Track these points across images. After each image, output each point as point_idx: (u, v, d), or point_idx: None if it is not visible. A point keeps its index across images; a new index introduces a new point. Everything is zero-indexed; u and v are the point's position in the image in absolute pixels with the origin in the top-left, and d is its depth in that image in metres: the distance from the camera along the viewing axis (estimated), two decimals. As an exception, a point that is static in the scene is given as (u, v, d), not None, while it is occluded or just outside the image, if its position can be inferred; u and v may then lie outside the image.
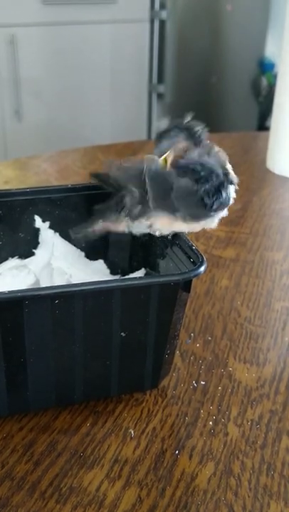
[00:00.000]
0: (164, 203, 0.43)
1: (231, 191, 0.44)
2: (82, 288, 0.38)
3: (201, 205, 0.42)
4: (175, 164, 0.43)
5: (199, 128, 0.44)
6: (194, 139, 0.44)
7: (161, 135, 0.46)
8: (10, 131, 2.04)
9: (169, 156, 0.44)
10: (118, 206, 0.46)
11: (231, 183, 0.44)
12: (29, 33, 1.96)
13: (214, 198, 0.42)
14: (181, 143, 0.44)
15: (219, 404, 0.46)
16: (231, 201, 0.44)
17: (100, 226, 0.48)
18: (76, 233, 0.50)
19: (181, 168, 0.42)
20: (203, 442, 0.42)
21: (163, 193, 0.43)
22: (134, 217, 0.45)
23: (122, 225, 0.47)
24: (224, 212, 0.45)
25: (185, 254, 0.44)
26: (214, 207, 0.43)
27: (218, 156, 0.43)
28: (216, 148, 0.44)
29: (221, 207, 0.44)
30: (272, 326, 0.56)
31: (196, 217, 0.44)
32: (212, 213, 0.43)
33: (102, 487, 0.38)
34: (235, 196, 0.44)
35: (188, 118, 0.45)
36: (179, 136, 0.45)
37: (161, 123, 0.46)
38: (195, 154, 0.43)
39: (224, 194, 0.43)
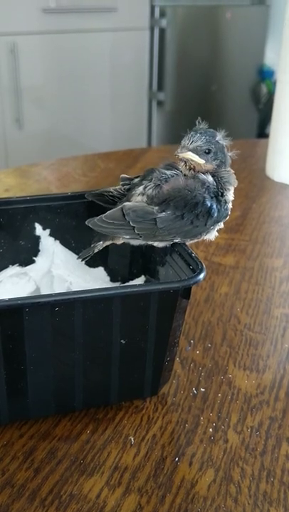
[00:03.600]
0: (156, 236, 0.45)
1: (228, 206, 0.45)
2: (82, 295, 0.38)
3: (192, 226, 0.44)
4: (157, 199, 0.45)
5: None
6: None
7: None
8: (11, 139, 2.04)
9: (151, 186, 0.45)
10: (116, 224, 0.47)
11: (225, 202, 0.45)
12: (30, 41, 1.97)
13: (206, 218, 0.44)
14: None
15: (219, 411, 0.46)
16: (228, 217, 0.46)
17: (101, 246, 0.49)
18: (83, 258, 0.51)
19: (163, 203, 0.44)
20: (203, 449, 0.42)
21: (151, 230, 0.44)
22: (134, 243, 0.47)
23: (120, 240, 0.48)
24: (221, 225, 0.46)
25: (185, 261, 0.44)
26: (207, 225, 0.44)
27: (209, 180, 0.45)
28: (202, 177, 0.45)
29: (216, 222, 0.45)
30: (272, 333, 0.57)
31: (192, 236, 0.45)
32: (208, 228, 0.45)
33: (102, 494, 0.38)
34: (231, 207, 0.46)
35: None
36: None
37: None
38: (179, 182, 0.44)
39: (215, 214, 0.44)
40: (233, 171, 0.46)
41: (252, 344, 0.55)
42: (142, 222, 0.44)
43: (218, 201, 0.45)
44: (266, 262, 0.71)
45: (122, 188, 0.49)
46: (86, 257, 0.51)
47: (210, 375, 0.50)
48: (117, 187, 0.50)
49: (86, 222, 0.46)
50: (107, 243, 0.49)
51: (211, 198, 0.44)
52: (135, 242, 0.48)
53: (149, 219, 0.44)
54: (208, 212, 0.44)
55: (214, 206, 0.44)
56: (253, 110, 2.78)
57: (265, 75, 2.72)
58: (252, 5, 2.58)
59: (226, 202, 0.45)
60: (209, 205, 0.44)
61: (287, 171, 1.00)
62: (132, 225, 0.44)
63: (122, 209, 0.44)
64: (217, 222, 0.45)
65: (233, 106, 2.68)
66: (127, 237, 0.46)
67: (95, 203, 0.51)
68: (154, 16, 2.25)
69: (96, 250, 0.50)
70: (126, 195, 0.48)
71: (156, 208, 0.44)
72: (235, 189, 0.46)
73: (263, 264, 0.71)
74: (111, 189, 0.50)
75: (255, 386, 0.49)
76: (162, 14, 2.25)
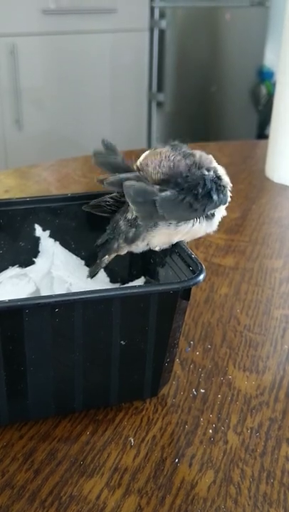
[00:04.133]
0: (153, 218, 0.44)
1: (226, 192, 0.44)
2: (82, 297, 0.38)
3: (191, 209, 0.43)
4: (158, 180, 0.43)
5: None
6: (178, 150, 0.45)
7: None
8: (10, 140, 2.04)
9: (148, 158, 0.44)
10: (115, 233, 0.47)
11: (223, 186, 0.44)
12: (30, 42, 1.98)
13: (205, 202, 0.43)
14: (162, 149, 0.45)
15: (219, 412, 0.46)
16: (228, 200, 0.45)
17: (107, 261, 0.49)
18: (91, 276, 0.51)
19: (164, 181, 0.43)
20: (203, 450, 0.42)
21: (149, 211, 0.43)
22: (131, 241, 0.46)
23: (125, 250, 0.48)
24: (223, 212, 0.46)
25: (184, 262, 0.44)
26: (206, 210, 0.43)
27: (203, 160, 0.44)
28: (199, 154, 0.44)
29: (215, 207, 0.44)
30: (272, 334, 0.57)
31: (188, 219, 0.44)
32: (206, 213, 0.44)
33: (102, 495, 0.38)
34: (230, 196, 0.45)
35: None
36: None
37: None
38: (182, 165, 0.43)
39: (215, 197, 0.43)
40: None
41: (252, 345, 0.55)
42: (141, 203, 0.43)
43: (217, 185, 0.44)
44: (266, 263, 0.71)
45: (118, 195, 0.48)
46: (95, 274, 0.51)
47: (210, 376, 0.50)
48: (112, 194, 0.49)
49: (83, 208, 0.47)
50: (113, 256, 0.49)
51: (210, 180, 0.43)
52: (137, 250, 0.48)
53: (148, 199, 0.42)
54: (208, 194, 0.43)
55: (214, 188, 0.43)
56: (253, 111, 2.79)
57: (265, 76, 2.72)
58: (251, 6, 2.58)
59: (224, 187, 0.44)
60: (209, 186, 0.43)
61: (287, 171, 1.00)
62: (131, 205, 0.43)
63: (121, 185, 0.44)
64: (216, 207, 0.44)
65: (232, 107, 2.68)
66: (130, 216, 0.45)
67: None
68: (153, 17, 2.25)
69: (103, 265, 0.50)
70: (124, 202, 0.47)
71: (157, 187, 0.43)
72: (234, 190, 0.46)
73: (262, 265, 0.71)
74: (107, 198, 0.49)
75: (255, 387, 0.49)
76: (162, 15, 2.25)
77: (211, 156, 0.45)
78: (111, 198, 0.49)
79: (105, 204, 0.49)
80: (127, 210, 0.46)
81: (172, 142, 0.46)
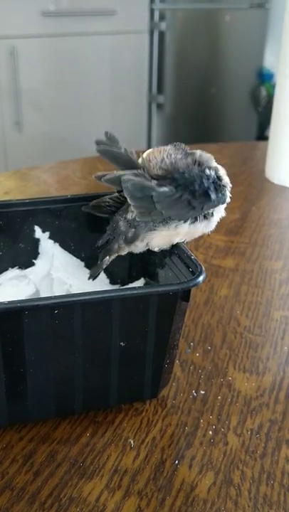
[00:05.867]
0: (151, 214, 0.44)
1: (226, 191, 0.44)
2: (81, 298, 0.38)
3: (189, 207, 0.43)
4: (157, 175, 0.43)
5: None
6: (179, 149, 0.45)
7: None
8: (10, 142, 2.05)
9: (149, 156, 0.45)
10: (115, 234, 0.47)
11: (223, 185, 0.44)
12: (29, 44, 1.98)
13: (202, 200, 0.43)
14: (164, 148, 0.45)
15: (219, 413, 0.46)
16: (227, 200, 0.45)
17: (108, 261, 0.49)
18: (94, 277, 0.51)
19: (163, 177, 0.43)
20: (203, 452, 0.42)
21: (147, 206, 0.43)
22: (130, 241, 0.46)
23: (125, 250, 0.48)
24: (222, 213, 0.46)
25: (184, 263, 0.44)
26: (204, 209, 0.43)
27: (203, 158, 0.44)
28: (199, 153, 0.44)
29: (213, 206, 0.44)
30: (272, 335, 0.57)
31: (185, 217, 0.44)
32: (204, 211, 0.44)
33: (101, 497, 0.38)
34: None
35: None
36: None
37: None
38: (182, 162, 0.44)
39: (213, 196, 0.43)
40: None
41: (252, 346, 0.55)
42: (139, 198, 0.43)
43: (216, 184, 0.43)
44: (266, 264, 0.71)
45: (118, 196, 0.48)
46: (96, 275, 0.51)
47: (210, 378, 0.50)
48: (112, 195, 0.49)
49: (82, 209, 0.48)
50: (113, 257, 0.49)
51: (207, 178, 0.43)
52: (137, 250, 0.48)
53: (146, 194, 0.42)
54: (206, 192, 0.43)
55: (212, 187, 0.43)
56: (253, 113, 2.79)
57: (265, 78, 2.73)
58: (251, 8, 2.58)
59: (224, 186, 0.44)
60: (206, 185, 0.43)
61: (286, 173, 1.00)
62: (129, 201, 0.43)
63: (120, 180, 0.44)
64: (214, 206, 0.44)
65: (232, 109, 2.68)
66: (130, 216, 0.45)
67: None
68: (153, 19, 2.25)
69: (104, 266, 0.50)
70: (123, 202, 0.47)
71: (155, 182, 0.43)
72: (234, 191, 0.46)
73: (262, 266, 0.71)
74: (107, 198, 0.49)
75: (255, 388, 0.49)
76: (162, 17, 2.25)
77: (210, 155, 0.45)
78: (110, 198, 0.49)
79: (105, 205, 0.49)
80: (127, 210, 0.46)
81: (175, 143, 0.46)
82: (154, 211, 0.43)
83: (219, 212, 0.45)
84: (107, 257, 0.49)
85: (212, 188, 0.43)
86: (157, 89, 2.37)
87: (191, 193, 0.42)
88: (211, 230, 0.46)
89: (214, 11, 2.45)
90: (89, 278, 0.51)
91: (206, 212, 0.44)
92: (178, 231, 0.44)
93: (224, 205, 0.45)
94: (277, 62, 1.02)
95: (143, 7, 2.21)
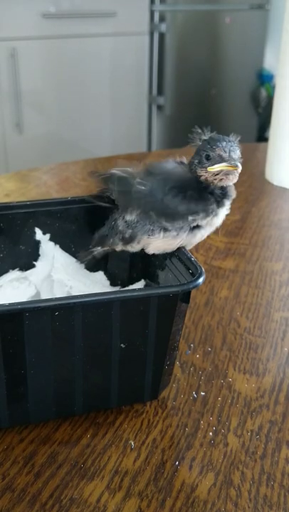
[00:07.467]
0: (128, 209, 0.45)
1: (212, 207, 0.44)
2: (82, 300, 0.38)
3: (164, 205, 0.43)
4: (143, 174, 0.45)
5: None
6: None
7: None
8: (11, 143, 2.05)
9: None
10: (112, 231, 0.48)
11: (212, 202, 0.44)
12: (30, 46, 1.98)
13: (176, 201, 0.43)
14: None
15: (219, 414, 0.46)
16: (208, 216, 0.44)
17: (100, 251, 0.49)
18: (81, 261, 0.52)
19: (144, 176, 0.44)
20: (203, 453, 0.42)
21: (128, 199, 0.45)
22: (126, 242, 0.47)
23: (119, 247, 0.48)
24: (220, 220, 0.46)
25: (184, 265, 0.44)
26: (190, 218, 0.44)
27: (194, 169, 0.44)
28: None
29: (191, 212, 0.44)
30: (272, 337, 0.57)
31: (174, 220, 0.44)
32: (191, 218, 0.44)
33: (102, 498, 0.38)
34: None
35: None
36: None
37: None
38: (169, 165, 0.45)
39: (181, 207, 0.43)
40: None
41: (252, 348, 0.55)
42: (120, 192, 0.45)
43: (201, 196, 0.43)
44: (266, 265, 0.72)
45: None
46: (85, 260, 0.51)
47: (210, 379, 0.50)
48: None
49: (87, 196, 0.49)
50: (106, 249, 0.49)
51: (189, 182, 0.43)
52: (132, 249, 0.48)
53: (127, 190, 0.44)
54: (177, 195, 0.43)
55: (187, 193, 0.43)
56: (253, 114, 2.79)
57: (265, 79, 2.72)
58: (251, 9, 2.58)
59: (212, 202, 0.43)
60: (177, 189, 0.43)
61: (286, 174, 1.00)
62: (114, 194, 0.46)
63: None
64: (193, 213, 0.43)
65: (232, 110, 2.68)
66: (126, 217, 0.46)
67: (95, 208, 0.51)
68: (153, 21, 2.25)
69: (95, 254, 0.50)
70: None
71: (138, 180, 0.44)
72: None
73: (262, 267, 0.71)
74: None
75: (255, 390, 0.49)
76: (162, 19, 2.25)
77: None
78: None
79: (106, 196, 0.50)
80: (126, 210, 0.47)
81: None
82: (131, 204, 0.44)
83: (207, 228, 0.46)
84: (99, 247, 0.49)
85: (180, 197, 0.43)
86: (157, 90, 2.37)
87: (164, 194, 0.43)
88: (197, 241, 0.46)
89: (214, 13, 2.45)
90: (76, 261, 0.52)
91: (192, 221, 0.44)
92: (176, 239, 0.45)
93: (224, 212, 0.45)
94: (277, 63, 1.02)
95: (143, 9, 2.21)
